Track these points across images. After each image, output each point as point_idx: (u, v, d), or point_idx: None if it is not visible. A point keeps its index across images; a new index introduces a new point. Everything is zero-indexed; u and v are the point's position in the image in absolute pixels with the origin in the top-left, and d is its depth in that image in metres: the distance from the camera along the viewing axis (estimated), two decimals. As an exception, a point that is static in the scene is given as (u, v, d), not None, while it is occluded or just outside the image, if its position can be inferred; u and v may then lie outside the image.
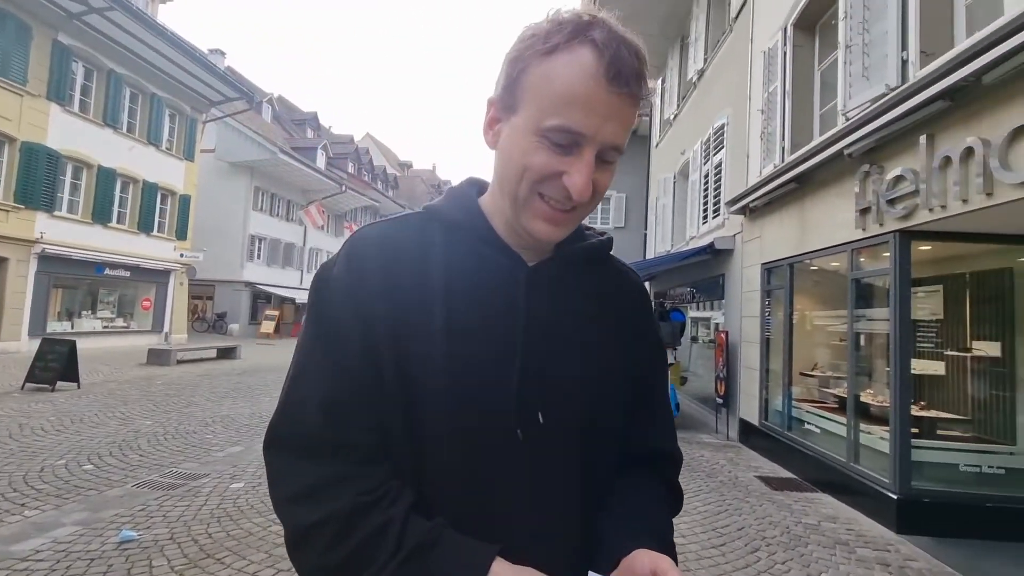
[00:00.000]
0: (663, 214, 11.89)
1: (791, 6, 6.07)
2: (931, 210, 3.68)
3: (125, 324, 16.35)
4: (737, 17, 8.03)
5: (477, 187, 0.76)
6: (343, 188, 26.09)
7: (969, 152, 3.32)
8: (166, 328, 17.08)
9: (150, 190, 16.12)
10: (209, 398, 8.01)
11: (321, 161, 26.43)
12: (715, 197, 8.60)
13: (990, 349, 4.33)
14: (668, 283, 11.30)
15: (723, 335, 7.46)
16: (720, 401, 7.34)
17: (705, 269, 8.62)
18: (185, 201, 17.64)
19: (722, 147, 8.34)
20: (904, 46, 4.02)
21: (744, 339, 6.97)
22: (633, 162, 16.18)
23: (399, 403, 0.62)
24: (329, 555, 0.57)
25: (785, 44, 6.16)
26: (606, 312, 0.74)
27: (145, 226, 16.01)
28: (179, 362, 12.19)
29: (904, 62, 4.00)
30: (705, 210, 9.12)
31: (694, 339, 10.34)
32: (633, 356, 0.75)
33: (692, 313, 10.28)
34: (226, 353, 13.91)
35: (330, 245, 28.54)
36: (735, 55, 8.00)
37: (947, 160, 3.51)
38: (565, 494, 0.65)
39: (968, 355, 4.45)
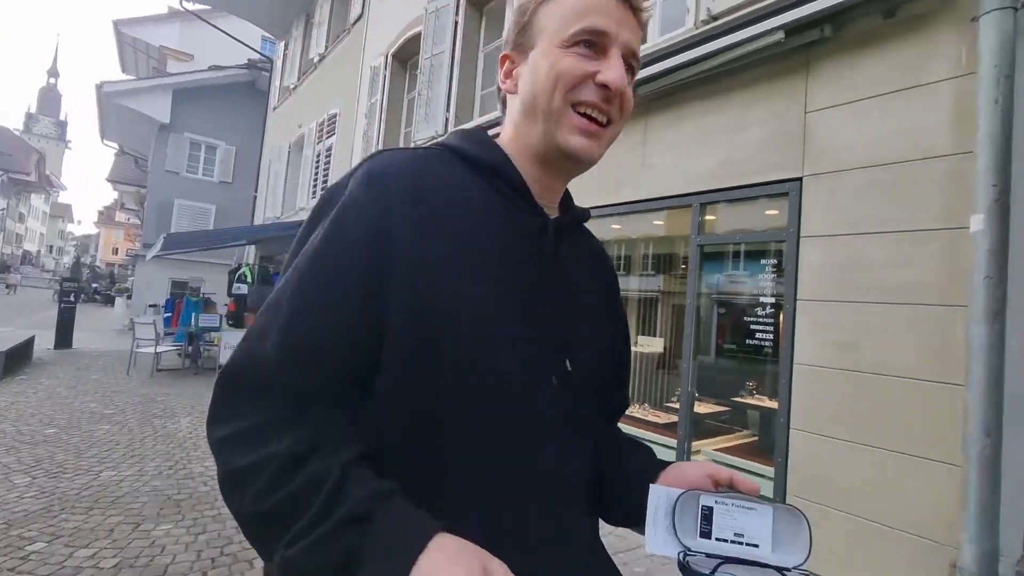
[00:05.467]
0: (275, 181, 12.04)
1: (393, 39, 7.61)
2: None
3: None
4: (355, 23, 9.15)
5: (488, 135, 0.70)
6: None
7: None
8: None
9: None
10: None
11: None
12: (324, 176, 9.59)
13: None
14: (275, 249, 11.63)
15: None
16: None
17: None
18: None
19: (334, 133, 9.40)
20: (448, 108, 6.02)
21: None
22: (249, 117, 15.39)
23: (413, 354, 0.54)
24: (262, 501, 0.48)
25: (386, 68, 7.69)
26: (598, 275, 0.76)
27: None
28: None
29: (447, 119, 6.00)
30: (315, 186, 10.00)
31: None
32: (616, 320, 0.78)
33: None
34: None
35: None
36: (350, 56, 9.13)
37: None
38: (583, 438, 0.66)
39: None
